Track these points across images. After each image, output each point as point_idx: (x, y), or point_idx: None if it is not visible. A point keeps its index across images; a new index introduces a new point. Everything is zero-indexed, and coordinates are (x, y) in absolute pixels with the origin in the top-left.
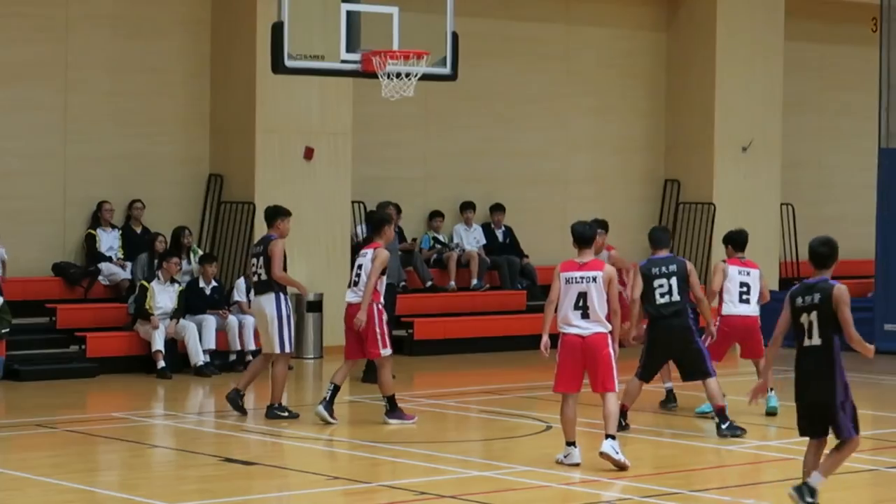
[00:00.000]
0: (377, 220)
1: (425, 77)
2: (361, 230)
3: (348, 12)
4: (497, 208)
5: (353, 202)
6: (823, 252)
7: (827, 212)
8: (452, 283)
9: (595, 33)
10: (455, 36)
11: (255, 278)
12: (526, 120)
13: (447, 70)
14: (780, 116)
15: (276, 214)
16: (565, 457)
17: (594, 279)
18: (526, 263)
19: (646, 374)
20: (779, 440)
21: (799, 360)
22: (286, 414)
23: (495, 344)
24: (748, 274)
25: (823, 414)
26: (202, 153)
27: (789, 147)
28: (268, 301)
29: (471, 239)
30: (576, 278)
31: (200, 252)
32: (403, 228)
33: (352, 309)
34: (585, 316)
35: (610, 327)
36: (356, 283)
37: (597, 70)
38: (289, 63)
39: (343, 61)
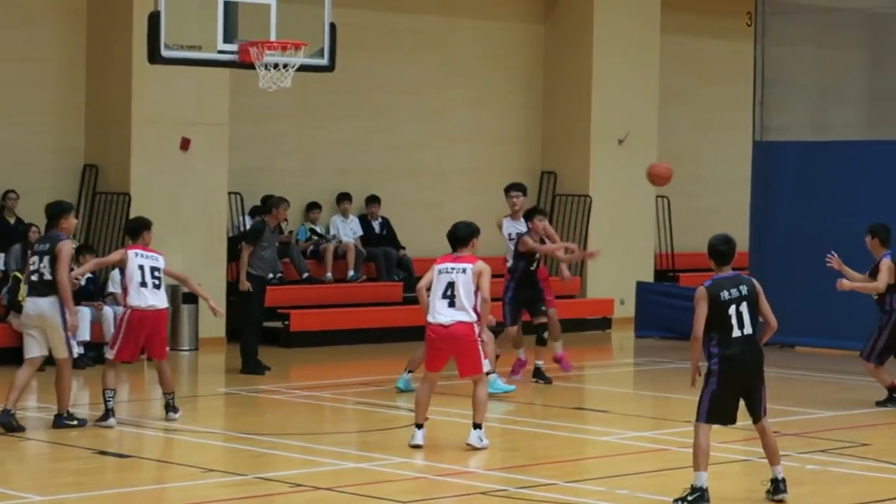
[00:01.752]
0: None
1: (303, 68)
2: (240, 221)
3: (226, 2)
4: (374, 200)
5: (230, 193)
6: (724, 250)
7: (701, 204)
8: (329, 274)
9: (473, 25)
10: (333, 27)
11: (36, 278)
12: (404, 112)
13: (325, 61)
14: (656, 109)
15: (59, 211)
16: (411, 438)
17: (463, 270)
18: (403, 255)
19: None
20: (652, 431)
21: (730, 350)
22: (75, 423)
23: (372, 335)
24: None
25: (753, 398)
26: (77, 143)
27: (665, 140)
28: (51, 304)
29: (347, 230)
30: (447, 269)
31: (76, 243)
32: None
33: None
34: (452, 304)
35: (476, 317)
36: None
37: (475, 62)
38: (165, 53)
39: (220, 52)
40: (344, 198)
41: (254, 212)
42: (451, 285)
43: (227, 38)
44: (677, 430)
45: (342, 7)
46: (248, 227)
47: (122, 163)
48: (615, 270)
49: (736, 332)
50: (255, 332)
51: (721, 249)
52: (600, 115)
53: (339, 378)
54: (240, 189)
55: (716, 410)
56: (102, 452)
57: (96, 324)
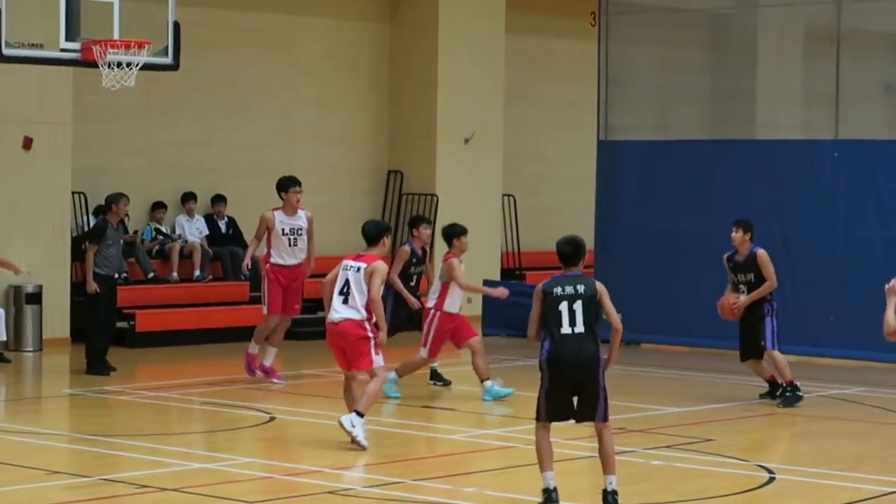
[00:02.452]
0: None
1: (147, 67)
2: (84, 221)
3: (68, 0)
4: (220, 199)
5: (73, 193)
6: (568, 251)
7: (547, 203)
8: (175, 274)
9: (318, 24)
10: (177, 25)
11: None
12: (249, 111)
13: (169, 60)
14: (502, 108)
15: None
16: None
17: (358, 269)
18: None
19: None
20: (499, 428)
21: (559, 346)
22: None
23: (218, 335)
24: None
25: (585, 398)
26: None
27: (510, 139)
28: None
29: (193, 230)
30: (347, 266)
31: None
32: (125, 220)
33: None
34: (346, 302)
35: (364, 315)
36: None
37: (320, 61)
38: (6, 51)
39: (63, 50)
40: (189, 197)
41: (97, 211)
42: (346, 283)
43: (70, 37)
44: (524, 427)
45: (186, 6)
46: (88, 226)
47: None
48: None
49: (566, 329)
50: (103, 332)
51: (565, 250)
52: (446, 114)
53: (185, 378)
54: (84, 189)
55: (551, 407)
56: None
57: None
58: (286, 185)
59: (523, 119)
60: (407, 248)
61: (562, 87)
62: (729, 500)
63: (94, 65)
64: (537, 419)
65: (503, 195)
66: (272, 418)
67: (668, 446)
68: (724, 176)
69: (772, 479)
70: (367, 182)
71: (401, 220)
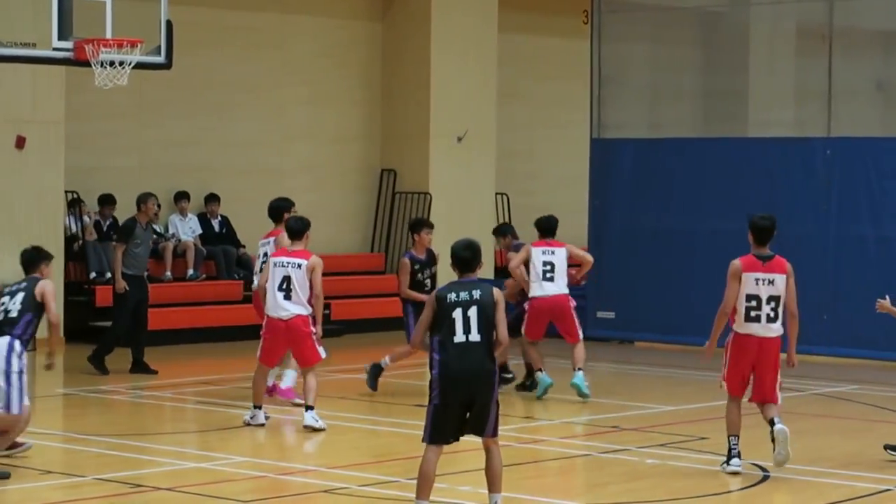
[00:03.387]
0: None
1: (139, 66)
2: (73, 220)
3: None
4: (212, 198)
5: (66, 192)
6: (466, 256)
7: (540, 201)
8: (168, 273)
9: (310, 22)
10: (169, 24)
11: None
12: (241, 110)
13: (161, 59)
14: (494, 107)
15: None
16: (251, 418)
17: (299, 266)
18: (242, 253)
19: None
20: None
21: (451, 355)
22: None
23: (211, 334)
24: (553, 253)
25: (478, 412)
26: None
27: (503, 137)
28: None
29: (186, 229)
30: (283, 262)
31: None
32: (118, 218)
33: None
34: (288, 298)
35: (311, 310)
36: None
37: (312, 59)
38: None
39: (55, 49)
40: (182, 196)
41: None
42: (286, 279)
43: (63, 36)
44: (518, 426)
45: (178, 4)
46: (77, 225)
47: None
48: None
49: (459, 338)
50: (135, 333)
51: (462, 256)
52: (439, 112)
53: (179, 377)
54: (75, 188)
55: (438, 427)
56: None
57: None
58: None
59: (516, 117)
60: (406, 259)
61: (554, 86)
62: (723, 498)
63: (87, 64)
64: (423, 440)
65: (496, 193)
66: (267, 418)
67: (661, 445)
68: (717, 174)
69: (766, 478)
70: (360, 181)
71: (394, 219)
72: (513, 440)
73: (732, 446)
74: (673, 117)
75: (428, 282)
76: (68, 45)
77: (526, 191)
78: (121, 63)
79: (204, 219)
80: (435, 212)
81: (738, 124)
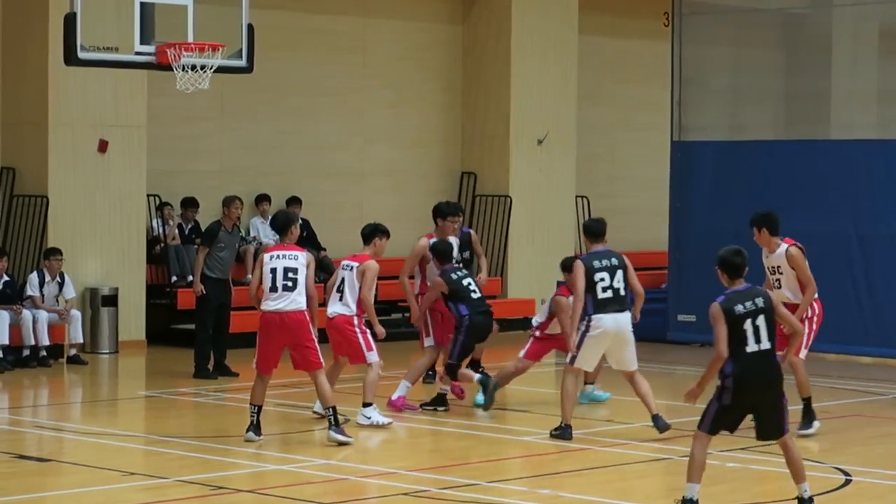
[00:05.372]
0: (284, 221)
1: (221, 69)
2: (157, 224)
3: (142, 3)
4: (293, 201)
5: (148, 195)
6: (737, 262)
7: (620, 204)
8: (249, 276)
9: (391, 26)
10: (251, 28)
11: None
12: (322, 113)
13: (243, 62)
14: (575, 109)
15: None
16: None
17: (351, 268)
18: (323, 256)
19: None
20: (573, 430)
21: (744, 366)
22: None
23: None
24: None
25: (766, 416)
26: None
27: (583, 140)
28: None
29: (268, 232)
30: (344, 265)
31: None
32: (199, 222)
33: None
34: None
35: (354, 311)
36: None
37: (393, 63)
38: (82, 55)
39: (137, 53)
40: (263, 199)
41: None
42: (342, 281)
43: (144, 40)
44: (598, 429)
45: (259, 8)
46: (161, 229)
47: (39, 165)
48: (535, 271)
49: (751, 347)
50: (214, 337)
51: (734, 262)
52: (519, 115)
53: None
54: (157, 191)
55: (720, 423)
56: (22, 457)
57: (15, 327)
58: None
59: (596, 120)
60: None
61: (635, 88)
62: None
63: (169, 68)
64: (699, 427)
65: (576, 196)
66: (346, 420)
67: (742, 448)
68: (799, 176)
69: (848, 482)
70: (439, 183)
71: (474, 222)
72: (593, 443)
73: None
74: (754, 120)
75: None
76: (150, 49)
77: (606, 194)
78: (202, 67)
79: None
80: (515, 214)
81: (821, 126)
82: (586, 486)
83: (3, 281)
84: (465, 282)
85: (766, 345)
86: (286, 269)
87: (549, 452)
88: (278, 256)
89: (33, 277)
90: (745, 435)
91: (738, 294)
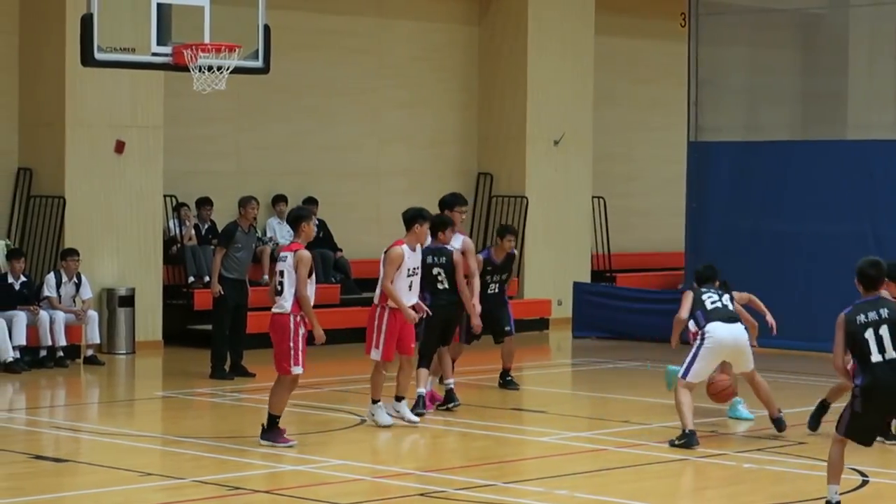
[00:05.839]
0: (293, 216)
1: (237, 70)
2: (174, 225)
3: (159, 4)
4: (310, 202)
5: (164, 196)
6: (872, 274)
7: (637, 204)
8: (266, 276)
9: (407, 26)
10: (267, 29)
11: None
12: (338, 113)
13: (259, 63)
14: (591, 110)
15: None
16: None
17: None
18: (340, 257)
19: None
20: (590, 431)
21: (870, 376)
22: None
23: (308, 337)
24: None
25: None
26: (10, 146)
27: (600, 140)
28: None
29: (284, 232)
30: (280, 257)
31: (9, 246)
32: (216, 222)
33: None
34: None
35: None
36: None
37: (409, 63)
38: (99, 56)
39: (154, 54)
40: (279, 199)
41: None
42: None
43: (161, 41)
44: (615, 430)
45: (276, 9)
46: (177, 230)
47: (56, 166)
48: (552, 271)
49: (876, 357)
50: (230, 338)
51: (868, 273)
52: (535, 116)
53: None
54: (174, 192)
55: (854, 429)
56: (38, 457)
57: (32, 328)
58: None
59: (613, 120)
60: (481, 257)
61: (651, 88)
62: (821, 503)
63: (185, 69)
64: (836, 430)
65: (593, 197)
66: (362, 420)
67: (759, 449)
68: (816, 177)
69: (865, 483)
70: (456, 184)
71: (490, 223)
72: (610, 444)
73: None
74: (771, 120)
75: (495, 287)
76: (167, 50)
77: (623, 194)
78: (219, 68)
79: None
80: (531, 215)
81: (837, 127)
82: (602, 487)
83: (20, 281)
84: (434, 271)
85: (891, 354)
86: (280, 272)
87: (566, 453)
88: (279, 258)
89: (50, 278)
90: (760, 436)
91: (864, 304)
